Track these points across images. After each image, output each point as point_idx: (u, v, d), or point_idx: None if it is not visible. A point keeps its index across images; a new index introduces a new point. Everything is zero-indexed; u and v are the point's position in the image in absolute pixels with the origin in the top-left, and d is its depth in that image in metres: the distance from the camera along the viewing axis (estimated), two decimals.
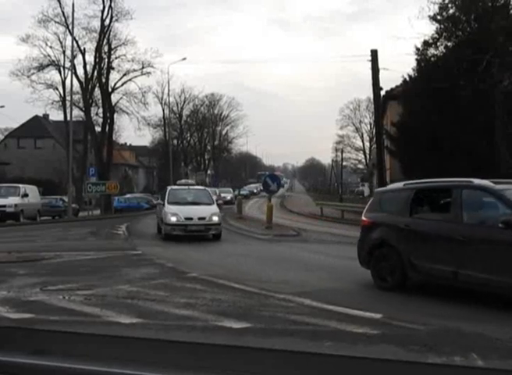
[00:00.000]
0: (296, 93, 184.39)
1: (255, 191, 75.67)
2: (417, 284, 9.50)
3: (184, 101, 70.31)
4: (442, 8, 23.58)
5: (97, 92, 41.68)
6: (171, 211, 17.03)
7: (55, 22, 39.70)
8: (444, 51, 24.13)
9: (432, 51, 24.52)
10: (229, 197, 47.88)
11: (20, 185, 27.97)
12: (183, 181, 22.44)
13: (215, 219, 17.23)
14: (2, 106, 43.53)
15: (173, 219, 16.85)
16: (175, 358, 1.42)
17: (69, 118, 34.89)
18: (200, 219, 16.99)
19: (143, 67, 41.01)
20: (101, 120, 41.89)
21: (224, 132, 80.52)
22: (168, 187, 19.76)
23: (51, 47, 40.63)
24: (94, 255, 13.09)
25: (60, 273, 10.26)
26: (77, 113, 41.10)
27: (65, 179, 35.19)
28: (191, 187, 19.95)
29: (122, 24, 49.43)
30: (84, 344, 1.51)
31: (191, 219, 16.91)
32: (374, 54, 25.54)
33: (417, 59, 24.39)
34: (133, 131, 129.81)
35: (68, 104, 37.94)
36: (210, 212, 17.19)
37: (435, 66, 23.07)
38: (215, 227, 17.29)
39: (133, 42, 41.87)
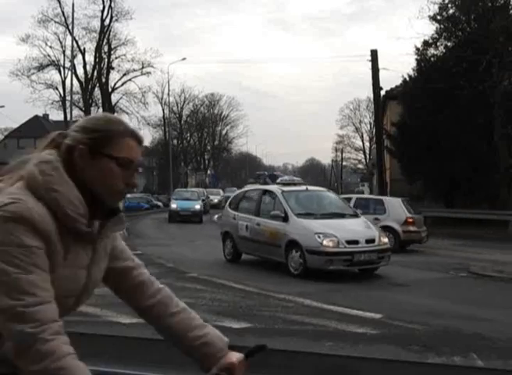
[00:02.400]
0: (296, 93, 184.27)
1: None
2: (417, 283, 9.51)
3: (184, 101, 70.20)
4: (442, 8, 23.61)
5: (97, 92, 41.78)
6: (318, 230, 10.30)
7: (55, 22, 39.82)
8: (444, 51, 24.14)
9: (431, 51, 24.55)
10: (216, 200, 38.88)
11: None
12: (287, 178, 13.69)
13: (385, 240, 10.84)
14: (2, 106, 43.49)
15: (328, 243, 10.16)
16: (175, 358, 1.42)
17: (69, 118, 34.90)
18: (368, 242, 10.39)
19: (143, 67, 41.14)
20: None
21: (224, 132, 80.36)
22: (276, 189, 11.88)
23: (51, 47, 40.75)
24: None
25: None
26: (77, 113, 41.13)
27: None
28: (309, 187, 12.63)
29: (121, 24, 49.61)
30: (84, 344, 1.51)
31: (356, 242, 10.31)
32: (374, 54, 25.53)
33: (417, 59, 24.39)
34: None
35: (68, 104, 38.00)
36: (377, 230, 11.04)
37: (435, 66, 23.07)
38: (387, 255, 10.60)
39: (132, 42, 42.08)
